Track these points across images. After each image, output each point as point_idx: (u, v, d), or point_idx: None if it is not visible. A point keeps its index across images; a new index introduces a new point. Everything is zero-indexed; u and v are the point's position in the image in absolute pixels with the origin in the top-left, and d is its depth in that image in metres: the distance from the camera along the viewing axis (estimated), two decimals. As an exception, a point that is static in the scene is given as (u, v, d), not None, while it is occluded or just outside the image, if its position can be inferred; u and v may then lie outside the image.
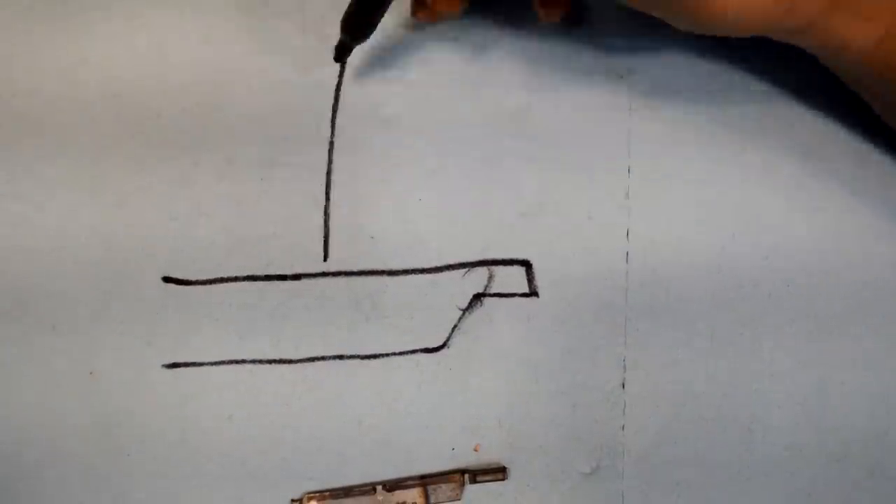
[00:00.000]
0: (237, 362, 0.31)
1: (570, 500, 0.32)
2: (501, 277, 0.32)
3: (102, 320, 0.31)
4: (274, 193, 0.31)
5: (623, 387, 0.32)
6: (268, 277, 0.31)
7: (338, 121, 0.32)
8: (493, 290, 0.32)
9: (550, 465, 0.32)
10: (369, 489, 0.31)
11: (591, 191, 0.32)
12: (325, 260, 0.31)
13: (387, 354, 0.32)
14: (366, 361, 0.31)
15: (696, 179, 0.32)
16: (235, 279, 0.31)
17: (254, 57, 0.32)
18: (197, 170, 0.31)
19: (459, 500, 0.31)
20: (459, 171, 0.32)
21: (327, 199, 0.32)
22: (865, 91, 0.29)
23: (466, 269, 0.32)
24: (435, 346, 0.32)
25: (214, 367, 0.31)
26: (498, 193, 0.32)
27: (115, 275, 0.31)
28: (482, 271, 0.32)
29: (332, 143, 0.32)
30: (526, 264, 0.32)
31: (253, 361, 0.31)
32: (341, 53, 0.30)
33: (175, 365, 0.31)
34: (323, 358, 0.31)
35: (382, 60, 0.32)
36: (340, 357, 0.31)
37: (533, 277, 0.32)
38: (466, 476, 0.31)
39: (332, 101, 0.32)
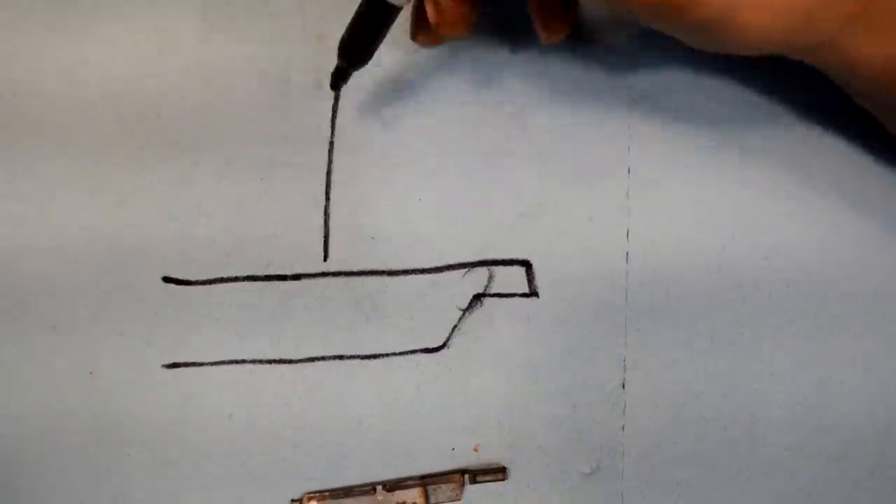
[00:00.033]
0: (237, 362, 0.31)
1: (569, 500, 0.32)
2: (501, 277, 0.32)
3: (102, 320, 0.31)
4: (274, 193, 0.31)
5: (623, 387, 0.32)
6: (268, 277, 0.31)
7: (338, 121, 0.32)
8: (493, 291, 0.32)
9: (550, 466, 0.32)
10: (369, 489, 0.31)
11: (591, 191, 0.32)
12: (325, 260, 0.31)
13: (387, 354, 0.32)
14: (366, 361, 0.31)
15: (696, 180, 0.32)
16: (235, 279, 0.31)
17: (254, 57, 0.32)
18: (197, 170, 0.31)
19: (459, 500, 0.31)
20: (459, 171, 0.32)
21: (327, 199, 0.32)
22: (876, 107, 0.29)
23: (466, 270, 0.32)
24: (435, 346, 0.32)
25: (214, 367, 0.31)
26: (498, 193, 0.32)
27: (115, 275, 0.31)
28: (482, 271, 0.32)
29: (332, 143, 0.32)
30: (526, 264, 0.32)
31: (253, 361, 0.31)
32: (338, 80, 0.29)
33: (175, 365, 0.31)
34: (323, 358, 0.31)
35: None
36: (340, 357, 0.31)
37: (533, 277, 0.32)
38: (466, 476, 0.31)
39: (332, 101, 0.32)
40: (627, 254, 0.32)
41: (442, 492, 0.31)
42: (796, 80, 0.32)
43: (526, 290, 0.32)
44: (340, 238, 0.31)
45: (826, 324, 0.32)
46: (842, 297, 0.32)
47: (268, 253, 0.31)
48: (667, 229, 0.32)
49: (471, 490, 0.31)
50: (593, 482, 0.32)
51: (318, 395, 0.31)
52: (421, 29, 0.28)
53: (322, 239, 0.31)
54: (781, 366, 0.32)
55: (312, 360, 0.31)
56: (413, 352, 0.32)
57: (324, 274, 0.32)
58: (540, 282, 0.32)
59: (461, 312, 0.32)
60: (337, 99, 0.31)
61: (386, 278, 0.32)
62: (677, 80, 0.32)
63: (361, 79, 0.31)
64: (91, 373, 0.31)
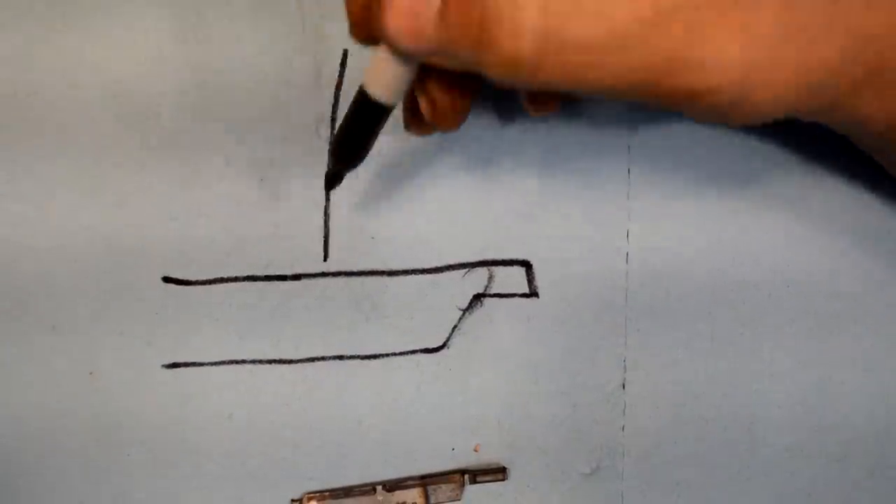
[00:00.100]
0: (237, 362, 0.31)
1: (569, 501, 0.32)
2: (501, 278, 0.32)
3: (102, 320, 0.31)
4: (274, 193, 0.31)
5: (623, 387, 0.32)
6: (268, 277, 0.31)
7: (338, 121, 0.32)
8: (493, 291, 0.32)
9: (550, 466, 0.32)
10: (369, 489, 0.31)
11: (591, 191, 0.32)
12: (325, 260, 0.31)
13: (387, 354, 0.32)
14: (366, 361, 0.31)
15: (696, 179, 0.32)
16: (235, 279, 0.31)
17: (254, 57, 0.32)
18: (197, 170, 0.31)
19: (459, 500, 0.31)
20: (460, 171, 0.32)
21: (327, 199, 0.32)
22: (883, 159, 0.29)
23: (466, 270, 0.32)
24: (435, 346, 0.32)
25: (214, 367, 0.31)
26: (498, 193, 0.32)
27: (115, 275, 0.31)
28: (482, 272, 0.32)
29: (332, 143, 0.32)
30: (526, 264, 0.32)
31: (253, 361, 0.31)
32: (333, 181, 0.29)
33: (175, 365, 0.31)
34: (323, 358, 0.31)
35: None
36: (340, 357, 0.31)
37: (533, 278, 0.32)
38: (466, 476, 0.31)
39: (331, 101, 0.32)
40: (627, 254, 0.32)
41: (442, 492, 0.31)
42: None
43: (526, 290, 0.32)
44: (340, 238, 0.31)
45: (826, 324, 0.32)
46: (842, 297, 0.32)
47: (268, 253, 0.31)
48: (667, 229, 0.32)
49: (471, 490, 0.31)
50: (593, 482, 0.32)
51: (318, 395, 0.31)
52: (414, 119, 0.28)
53: (322, 239, 0.31)
54: (781, 366, 0.32)
55: (312, 360, 0.31)
56: (413, 352, 0.32)
57: (324, 274, 0.32)
58: (540, 282, 0.32)
59: (461, 312, 0.32)
60: (337, 99, 0.31)
61: (386, 278, 0.32)
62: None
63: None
64: (91, 373, 0.31)
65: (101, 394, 0.31)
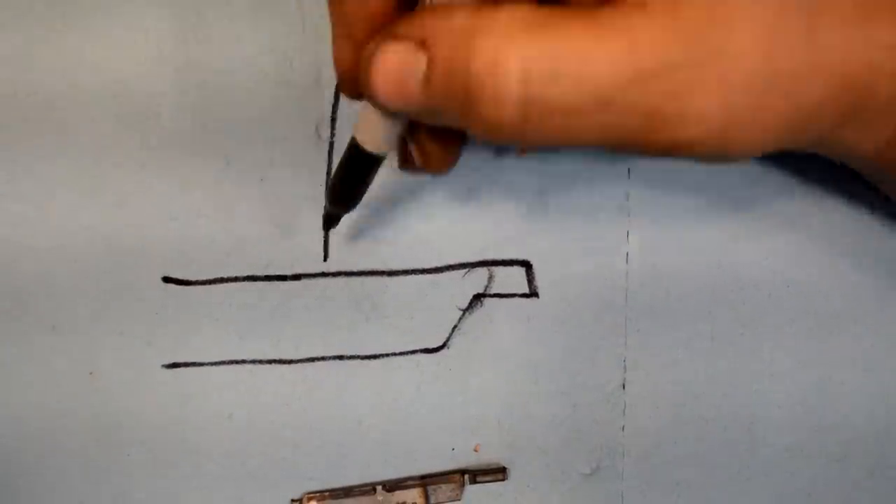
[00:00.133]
0: (237, 362, 0.31)
1: (569, 501, 0.32)
2: (501, 278, 0.32)
3: (102, 320, 0.31)
4: (274, 193, 0.31)
5: (623, 387, 0.32)
6: (268, 277, 0.31)
7: (338, 121, 0.32)
8: (493, 291, 0.32)
9: (550, 466, 0.32)
10: (369, 489, 0.31)
11: (592, 191, 0.32)
12: (325, 260, 0.31)
13: (387, 355, 0.32)
14: (366, 362, 0.31)
15: (695, 181, 0.32)
16: (235, 279, 0.31)
17: (253, 57, 0.32)
18: (197, 170, 0.31)
19: (459, 500, 0.31)
20: (459, 171, 0.32)
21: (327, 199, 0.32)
22: (878, 182, 0.29)
23: (466, 270, 0.32)
24: (435, 346, 0.32)
25: (214, 367, 0.31)
26: (498, 193, 0.32)
27: (115, 275, 0.31)
28: (482, 272, 0.32)
29: (331, 144, 0.32)
30: (526, 264, 0.32)
31: (253, 361, 0.31)
32: (329, 223, 0.29)
33: (175, 365, 0.31)
34: (323, 358, 0.31)
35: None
36: (340, 357, 0.31)
37: (533, 278, 0.32)
38: (466, 476, 0.31)
39: (332, 101, 0.32)
40: (627, 254, 0.32)
41: (442, 492, 0.31)
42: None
43: (526, 290, 0.32)
44: (340, 238, 0.31)
45: (826, 324, 0.32)
46: (842, 297, 0.32)
47: (268, 253, 0.31)
48: (667, 230, 0.32)
49: (471, 490, 0.31)
50: (593, 482, 0.32)
51: (318, 395, 0.31)
52: (406, 163, 0.29)
53: (322, 239, 0.31)
54: (781, 366, 0.32)
55: (312, 360, 0.31)
56: (413, 352, 0.32)
57: (324, 274, 0.32)
58: (540, 282, 0.32)
59: (461, 312, 0.32)
60: (337, 99, 0.31)
61: (386, 278, 0.32)
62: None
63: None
64: (91, 373, 0.31)
65: (101, 394, 0.31)
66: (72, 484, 0.31)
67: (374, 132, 0.24)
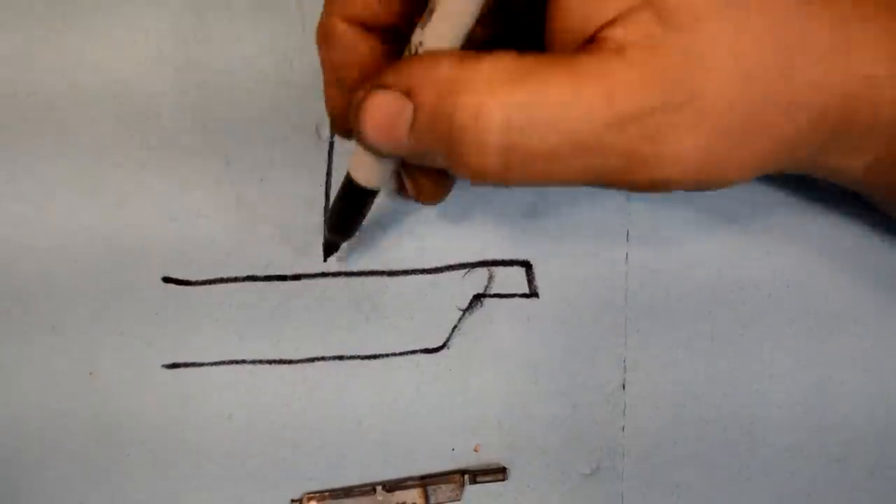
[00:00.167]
0: (237, 362, 0.31)
1: (569, 501, 0.32)
2: (501, 278, 0.32)
3: (102, 320, 0.31)
4: (274, 194, 0.31)
5: (623, 387, 0.32)
6: (268, 278, 0.31)
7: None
8: (493, 291, 0.32)
9: (550, 466, 0.32)
10: (369, 489, 0.31)
11: (591, 191, 0.32)
12: (325, 260, 0.31)
13: (387, 355, 0.32)
14: (366, 362, 0.31)
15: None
16: (235, 279, 0.31)
17: (253, 57, 0.32)
18: (197, 170, 0.31)
19: (459, 500, 0.31)
20: (459, 172, 0.32)
21: (327, 199, 0.32)
22: (865, 197, 0.30)
23: (466, 270, 0.32)
24: (435, 346, 0.32)
25: (214, 368, 0.31)
26: (498, 193, 0.32)
27: (115, 275, 0.31)
28: (482, 272, 0.32)
29: (331, 144, 0.32)
30: (526, 265, 0.32)
31: (253, 362, 0.31)
32: (329, 250, 0.30)
33: (175, 365, 0.31)
34: (323, 358, 0.31)
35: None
36: (340, 357, 0.31)
37: (533, 278, 0.32)
38: (466, 476, 0.31)
39: (332, 101, 0.32)
40: (627, 254, 0.32)
41: (442, 492, 0.31)
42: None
43: (526, 290, 0.32)
44: (340, 238, 0.31)
45: (826, 324, 0.32)
46: (842, 297, 0.32)
47: (268, 253, 0.31)
48: (667, 229, 0.32)
49: (471, 490, 0.31)
50: (593, 483, 0.32)
51: (317, 396, 0.31)
52: (401, 189, 0.30)
53: (322, 239, 0.31)
54: (781, 366, 0.32)
55: (312, 360, 0.31)
56: (413, 352, 0.32)
57: (324, 274, 0.32)
58: (540, 282, 0.32)
59: (461, 313, 0.32)
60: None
61: (386, 278, 0.32)
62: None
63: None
64: (91, 373, 0.31)
65: (101, 394, 0.31)
66: (72, 484, 0.31)
67: (367, 169, 0.26)
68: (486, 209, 0.32)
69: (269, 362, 0.31)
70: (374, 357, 0.31)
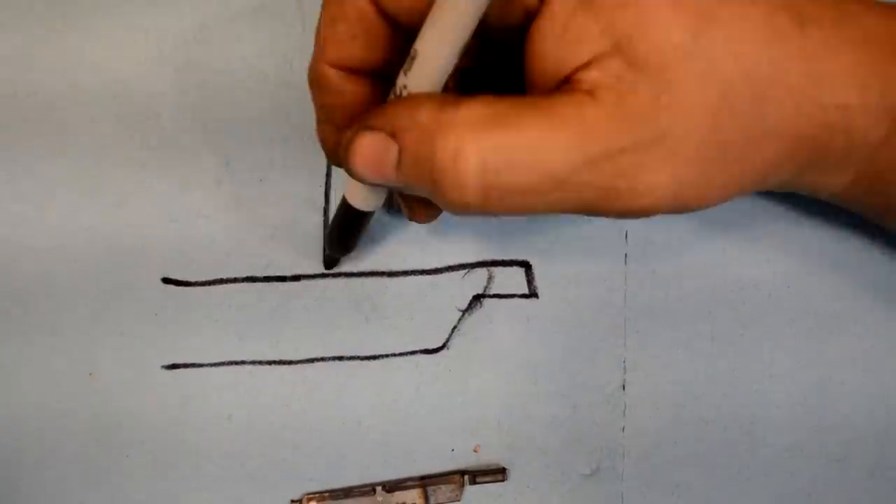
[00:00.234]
0: (237, 363, 0.31)
1: (569, 502, 0.32)
2: (501, 278, 0.32)
3: (102, 320, 0.31)
4: (273, 194, 0.31)
5: (623, 388, 0.32)
6: (267, 279, 0.31)
7: (338, 121, 0.32)
8: (492, 291, 0.32)
9: (550, 467, 0.32)
10: (369, 490, 0.31)
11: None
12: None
13: (386, 355, 0.32)
14: (365, 362, 0.31)
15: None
16: (235, 280, 0.31)
17: (253, 58, 0.32)
18: (196, 170, 0.31)
19: (459, 500, 0.31)
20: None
21: (327, 199, 0.32)
22: (853, 209, 0.30)
23: (466, 270, 0.32)
24: (435, 347, 0.32)
25: (214, 368, 0.31)
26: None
27: (115, 275, 0.31)
28: (482, 272, 0.32)
29: (331, 144, 0.32)
30: (526, 265, 0.32)
31: (253, 362, 0.31)
32: (329, 265, 0.31)
33: (175, 366, 0.31)
34: (323, 359, 0.31)
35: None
36: (340, 358, 0.31)
37: (532, 278, 0.32)
38: (466, 477, 0.31)
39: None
40: (626, 254, 0.32)
41: (442, 492, 0.31)
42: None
43: (525, 290, 0.32)
44: (340, 238, 0.31)
45: (826, 324, 0.32)
46: (842, 297, 0.32)
47: (267, 254, 0.31)
48: (666, 230, 0.32)
49: (470, 491, 0.31)
50: (593, 483, 0.32)
51: (317, 396, 0.31)
52: (396, 207, 0.31)
53: (321, 241, 0.31)
54: (781, 366, 0.32)
55: (312, 361, 0.31)
56: (413, 353, 0.32)
57: (323, 275, 0.32)
58: (539, 282, 0.32)
59: (461, 313, 0.32)
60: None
61: (386, 279, 0.32)
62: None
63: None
64: (91, 373, 0.31)
65: (101, 394, 0.31)
66: (71, 484, 0.31)
67: (361, 194, 0.27)
68: (486, 209, 0.32)
69: (269, 363, 0.31)
70: (374, 358, 0.31)
